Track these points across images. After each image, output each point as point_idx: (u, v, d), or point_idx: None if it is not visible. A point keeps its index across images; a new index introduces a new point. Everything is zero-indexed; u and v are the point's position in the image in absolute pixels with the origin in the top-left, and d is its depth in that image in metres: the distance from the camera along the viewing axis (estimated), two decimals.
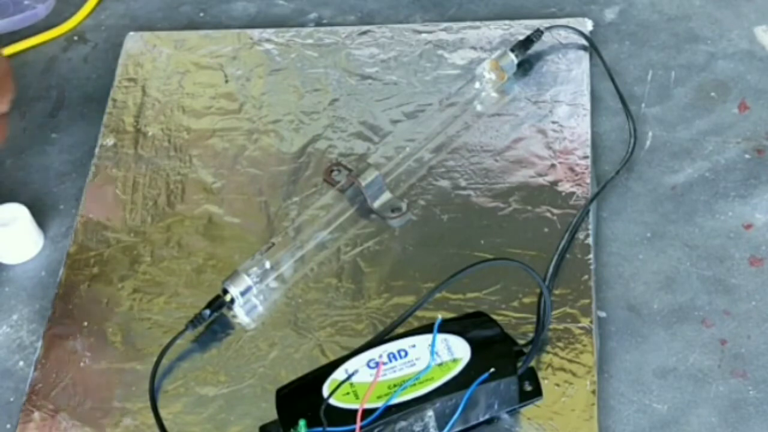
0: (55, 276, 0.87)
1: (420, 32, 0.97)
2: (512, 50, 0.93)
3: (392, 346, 0.74)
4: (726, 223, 0.85)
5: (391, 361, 0.73)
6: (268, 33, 1.00)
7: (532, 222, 0.85)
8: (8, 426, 0.81)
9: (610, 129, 0.91)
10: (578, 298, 0.80)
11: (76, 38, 1.05)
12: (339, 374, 0.73)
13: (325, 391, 0.72)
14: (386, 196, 0.87)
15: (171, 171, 0.92)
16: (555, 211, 0.85)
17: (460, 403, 0.72)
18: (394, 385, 0.72)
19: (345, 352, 0.75)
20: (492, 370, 0.72)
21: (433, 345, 0.73)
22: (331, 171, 0.89)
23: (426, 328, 0.74)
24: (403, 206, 0.87)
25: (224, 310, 0.83)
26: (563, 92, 0.92)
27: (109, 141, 0.94)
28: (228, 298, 0.82)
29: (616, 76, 0.93)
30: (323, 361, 0.76)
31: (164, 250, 0.87)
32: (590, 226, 0.84)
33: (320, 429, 0.70)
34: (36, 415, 0.80)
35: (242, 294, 0.82)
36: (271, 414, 0.74)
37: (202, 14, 1.04)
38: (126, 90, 0.97)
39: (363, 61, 0.96)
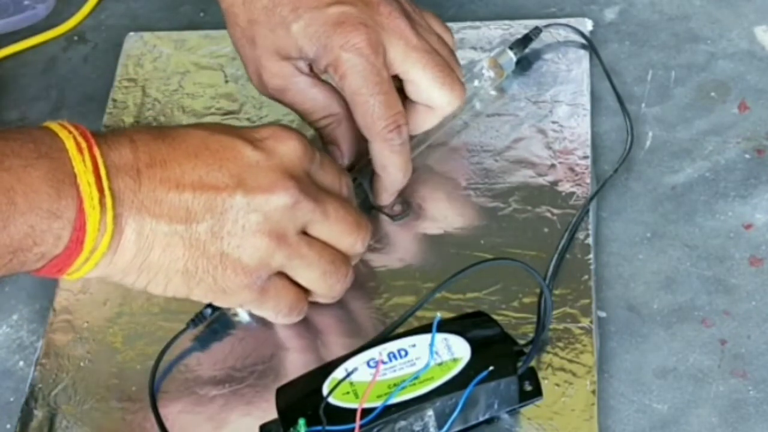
0: None
1: None
2: (511, 48, 0.93)
3: (392, 346, 0.74)
4: (726, 223, 0.85)
5: (390, 360, 0.73)
6: None
7: (532, 222, 0.85)
8: (8, 426, 0.81)
9: (610, 129, 0.91)
10: (578, 298, 0.80)
11: (76, 38, 1.05)
12: (339, 373, 0.73)
13: (325, 390, 0.72)
14: None
15: None
16: (555, 211, 0.85)
17: (460, 402, 0.72)
18: (394, 385, 0.72)
19: (345, 352, 0.75)
20: (491, 368, 0.72)
21: (432, 344, 0.73)
22: None
23: (426, 328, 0.74)
24: (405, 206, 0.87)
25: (225, 309, 0.82)
26: (563, 92, 0.92)
27: None
28: None
29: (616, 76, 0.93)
30: (323, 361, 0.76)
31: None
32: (590, 226, 0.84)
33: (320, 428, 0.70)
34: (36, 414, 0.80)
35: None
36: (271, 414, 0.74)
37: (202, 14, 1.04)
38: (126, 90, 0.97)
39: None
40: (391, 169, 0.84)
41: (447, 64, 0.83)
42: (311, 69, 0.83)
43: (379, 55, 0.81)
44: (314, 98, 0.84)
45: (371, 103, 0.81)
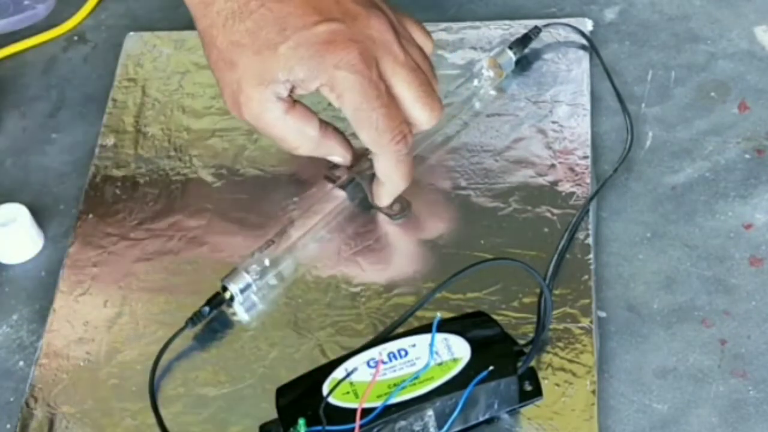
0: (55, 276, 0.87)
1: None
2: (510, 48, 0.93)
3: (392, 346, 0.74)
4: (726, 223, 0.85)
5: (391, 360, 0.73)
6: None
7: (532, 222, 0.85)
8: (8, 426, 0.81)
9: (610, 129, 0.91)
10: (578, 298, 0.80)
11: (76, 38, 1.05)
12: (339, 373, 0.73)
13: (325, 390, 0.72)
14: None
15: (171, 171, 0.92)
16: (555, 211, 0.85)
17: (460, 402, 0.72)
18: (394, 385, 0.72)
19: (345, 352, 0.75)
20: (491, 368, 0.72)
21: (432, 344, 0.73)
22: (332, 168, 0.89)
23: (426, 328, 0.74)
24: (404, 205, 0.87)
25: (224, 308, 0.82)
26: (563, 92, 0.92)
27: (109, 141, 0.94)
28: (227, 295, 0.82)
29: (616, 76, 0.93)
30: (323, 361, 0.76)
31: (164, 250, 0.87)
32: (590, 226, 0.84)
33: (320, 428, 0.70)
34: (36, 414, 0.80)
35: (241, 291, 0.82)
36: (271, 414, 0.74)
37: None
38: (126, 90, 0.97)
39: None
40: (395, 177, 0.83)
41: (429, 82, 0.83)
42: (290, 92, 0.82)
43: (374, 69, 0.80)
44: (286, 126, 0.82)
45: (374, 117, 0.80)
